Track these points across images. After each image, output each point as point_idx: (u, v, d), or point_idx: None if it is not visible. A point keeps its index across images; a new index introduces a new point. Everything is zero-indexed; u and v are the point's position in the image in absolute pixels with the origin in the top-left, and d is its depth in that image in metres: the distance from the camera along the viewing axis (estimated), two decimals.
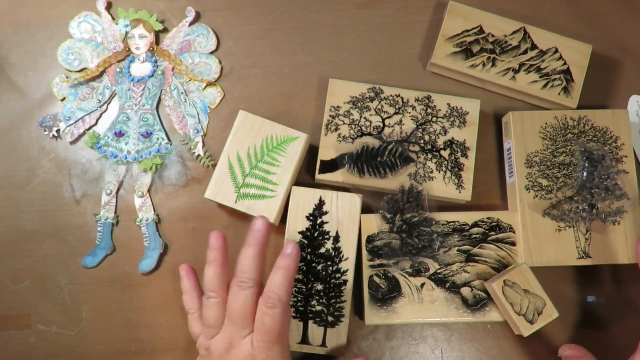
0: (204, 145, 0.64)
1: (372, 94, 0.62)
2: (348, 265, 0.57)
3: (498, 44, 0.63)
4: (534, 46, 0.63)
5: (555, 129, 0.61)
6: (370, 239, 0.58)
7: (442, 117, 0.62)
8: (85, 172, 0.63)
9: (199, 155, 0.64)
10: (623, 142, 0.61)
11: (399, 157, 0.60)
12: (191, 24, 0.67)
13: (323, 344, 0.56)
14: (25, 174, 0.63)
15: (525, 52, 0.63)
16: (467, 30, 0.64)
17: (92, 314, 0.61)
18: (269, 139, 0.60)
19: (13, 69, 0.66)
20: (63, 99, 0.65)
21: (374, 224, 0.59)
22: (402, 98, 0.62)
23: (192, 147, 0.64)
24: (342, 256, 0.57)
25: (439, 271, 0.58)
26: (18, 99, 0.65)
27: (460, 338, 0.60)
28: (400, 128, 0.62)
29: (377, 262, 0.58)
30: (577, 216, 0.59)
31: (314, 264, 0.57)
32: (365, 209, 0.59)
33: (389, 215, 0.59)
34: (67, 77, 0.65)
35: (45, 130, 0.64)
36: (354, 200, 0.58)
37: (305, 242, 0.58)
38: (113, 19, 0.67)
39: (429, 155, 0.61)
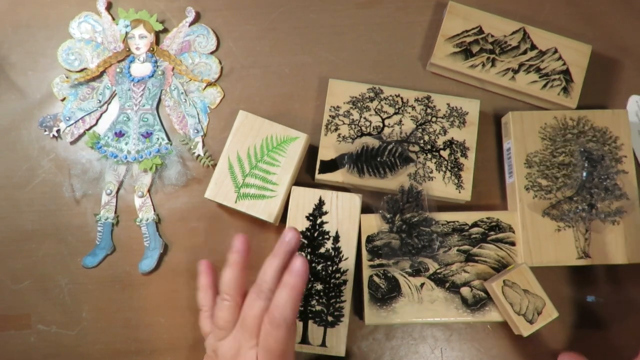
0: (204, 145, 0.64)
1: (372, 94, 0.62)
2: (348, 265, 0.57)
3: (498, 44, 0.63)
4: (533, 46, 0.63)
5: (554, 129, 0.61)
6: (370, 239, 0.59)
7: (442, 117, 0.62)
8: (85, 172, 0.63)
9: (199, 155, 0.64)
10: (622, 142, 0.61)
11: (398, 157, 0.60)
12: (191, 24, 0.67)
13: (323, 344, 0.56)
14: (25, 174, 0.64)
15: (524, 53, 0.63)
16: (467, 31, 0.64)
17: (92, 314, 0.61)
18: (269, 139, 0.60)
19: (13, 69, 0.66)
20: (63, 99, 0.65)
21: (374, 224, 0.59)
22: (402, 98, 0.62)
23: (192, 147, 0.64)
24: (342, 256, 0.57)
25: (438, 271, 0.58)
26: (18, 99, 0.65)
27: (460, 338, 0.60)
28: (400, 128, 0.62)
29: (377, 262, 0.58)
30: (576, 216, 0.59)
31: (314, 264, 0.57)
32: (365, 209, 0.59)
33: (388, 215, 0.59)
34: (67, 77, 0.65)
35: (45, 130, 0.64)
36: (354, 200, 0.58)
37: (305, 242, 0.58)
38: (113, 19, 0.67)
39: (429, 155, 0.61)
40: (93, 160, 0.63)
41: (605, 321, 0.61)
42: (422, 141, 0.61)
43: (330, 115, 0.62)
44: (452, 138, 0.61)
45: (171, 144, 0.64)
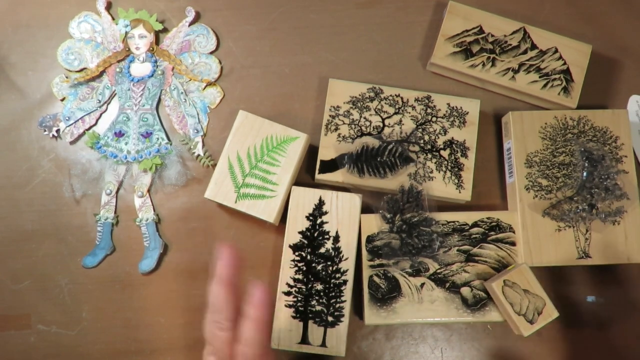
0: (203, 145, 0.64)
1: (372, 94, 0.62)
2: (348, 265, 0.57)
3: (498, 44, 0.63)
4: (533, 46, 0.63)
5: (555, 129, 0.61)
6: (370, 239, 0.58)
7: (442, 117, 0.62)
8: (85, 172, 0.63)
9: (199, 155, 0.64)
10: (623, 142, 0.61)
11: (398, 157, 0.60)
12: (191, 24, 0.67)
13: (323, 344, 0.56)
14: (25, 174, 0.63)
15: (525, 52, 0.63)
16: (467, 30, 0.64)
17: (92, 314, 0.61)
18: (269, 139, 0.60)
19: (13, 69, 0.66)
20: (63, 99, 0.65)
21: (374, 224, 0.59)
22: (402, 98, 0.62)
23: (192, 147, 0.64)
24: (342, 256, 0.57)
25: (438, 271, 0.58)
26: (18, 99, 0.65)
27: (460, 338, 0.60)
28: (400, 128, 0.62)
29: (377, 262, 0.58)
30: (577, 216, 0.59)
31: (314, 264, 0.57)
32: (365, 209, 0.59)
33: (389, 215, 0.59)
34: (67, 77, 0.65)
35: (45, 130, 0.64)
36: (354, 200, 0.58)
37: (305, 242, 0.58)
38: (113, 19, 0.67)
39: (429, 155, 0.61)
40: (93, 160, 0.63)
41: (605, 321, 0.61)
42: (422, 141, 0.61)
43: (330, 115, 0.62)
44: (452, 138, 0.61)
45: (171, 144, 0.64)
